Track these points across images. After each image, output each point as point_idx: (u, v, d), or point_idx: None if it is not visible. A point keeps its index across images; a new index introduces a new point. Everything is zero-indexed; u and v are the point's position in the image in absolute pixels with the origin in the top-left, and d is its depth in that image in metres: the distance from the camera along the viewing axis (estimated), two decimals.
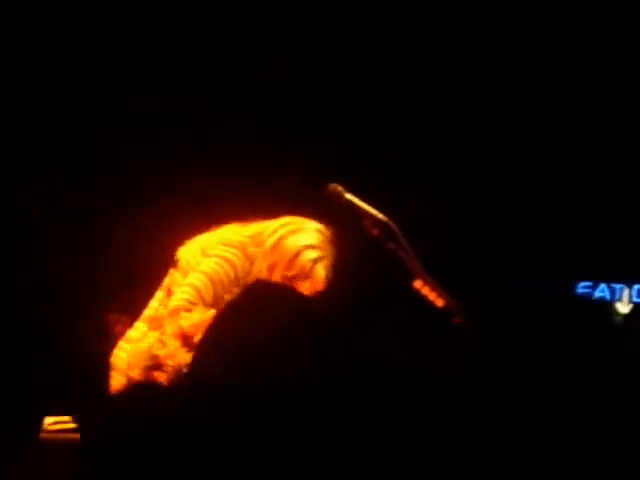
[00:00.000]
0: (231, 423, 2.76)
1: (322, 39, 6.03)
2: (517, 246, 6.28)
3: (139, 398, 2.99)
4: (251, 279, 3.16)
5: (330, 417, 2.84)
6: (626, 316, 6.73)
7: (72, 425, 3.10)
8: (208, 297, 3.11)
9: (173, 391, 2.99)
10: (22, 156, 5.88)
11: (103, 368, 3.06)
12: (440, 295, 3.09)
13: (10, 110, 5.86)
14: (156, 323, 3.13)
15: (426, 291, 3.09)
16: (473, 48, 6.11)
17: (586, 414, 4.21)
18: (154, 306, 3.17)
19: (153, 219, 5.33)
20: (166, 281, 3.22)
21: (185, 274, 3.16)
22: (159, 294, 3.20)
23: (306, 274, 3.20)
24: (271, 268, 3.19)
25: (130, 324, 3.16)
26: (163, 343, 3.08)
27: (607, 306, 6.53)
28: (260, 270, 3.18)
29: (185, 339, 3.06)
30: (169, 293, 3.17)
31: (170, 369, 3.03)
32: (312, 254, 3.22)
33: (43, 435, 3.12)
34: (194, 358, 2.95)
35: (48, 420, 3.14)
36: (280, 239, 3.21)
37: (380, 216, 3.14)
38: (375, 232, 3.13)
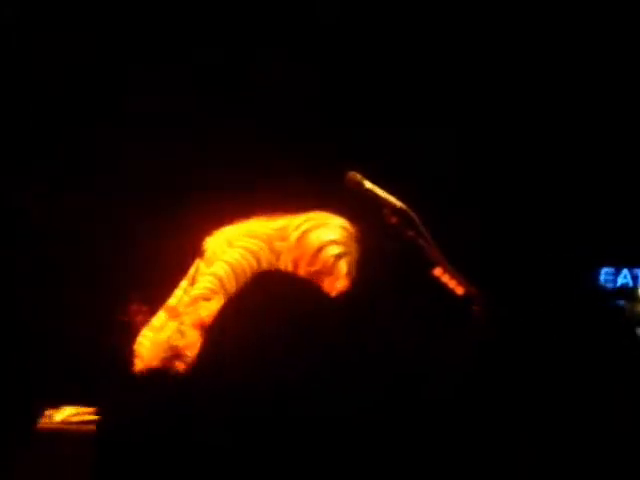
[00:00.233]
0: (240, 416, 2.76)
1: (322, 39, 6.04)
2: (537, 232, 6.28)
3: (159, 387, 2.98)
4: None
5: (342, 409, 2.84)
6: None
7: (92, 417, 3.09)
8: (230, 287, 3.10)
9: (192, 381, 2.98)
10: (22, 156, 5.87)
11: (125, 357, 3.05)
12: (460, 283, 3.09)
13: (10, 110, 5.85)
14: (176, 312, 3.12)
15: (446, 279, 3.10)
16: (473, 48, 6.13)
17: (600, 407, 4.21)
18: (178, 295, 3.17)
19: (182, 210, 5.33)
20: (191, 271, 3.22)
21: (210, 264, 3.16)
22: (184, 283, 3.20)
23: (329, 270, 3.19)
24: (295, 263, 3.19)
25: (152, 314, 3.15)
26: (182, 333, 3.08)
27: (630, 292, 6.53)
28: (286, 265, 3.18)
29: (204, 329, 3.05)
30: (193, 282, 3.17)
31: (190, 360, 3.02)
32: (335, 249, 3.21)
33: (62, 426, 3.11)
34: (202, 347, 2.93)
35: (69, 411, 3.12)
36: (304, 233, 3.21)
37: (399, 204, 3.14)
38: (394, 220, 3.13)
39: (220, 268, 3.13)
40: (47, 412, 3.18)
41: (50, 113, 5.90)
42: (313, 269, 3.19)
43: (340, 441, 2.85)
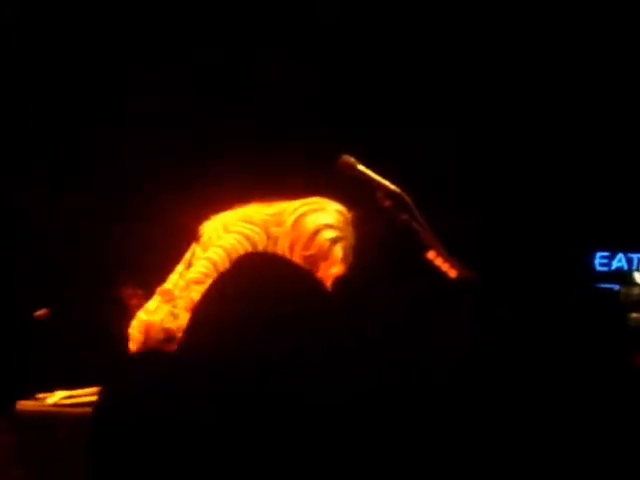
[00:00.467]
0: (227, 393, 2.74)
1: (322, 39, 6.05)
2: (534, 217, 6.27)
3: (153, 369, 2.97)
4: None
5: (337, 393, 2.83)
6: None
7: (85, 399, 3.08)
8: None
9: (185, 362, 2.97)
10: (22, 156, 5.88)
11: (119, 339, 3.05)
12: (453, 266, 3.08)
13: (10, 110, 5.86)
14: (169, 296, 3.12)
15: (439, 262, 3.09)
16: (473, 48, 6.13)
17: (602, 400, 4.19)
18: (174, 279, 3.18)
19: (179, 196, 5.34)
20: (187, 255, 3.23)
21: (206, 249, 3.17)
22: (179, 268, 3.21)
23: (324, 254, 3.19)
24: (291, 247, 3.19)
25: (147, 297, 3.15)
26: (175, 316, 3.08)
27: (625, 276, 6.50)
28: (283, 250, 3.18)
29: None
30: (189, 267, 3.17)
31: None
32: (331, 233, 3.21)
33: (55, 409, 3.10)
34: (188, 327, 2.92)
35: (61, 394, 3.11)
36: (300, 217, 3.21)
37: (393, 187, 3.14)
38: (388, 203, 3.13)
39: (215, 253, 3.14)
40: (39, 396, 3.17)
41: (50, 113, 5.91)
42: (308, 253, 3.18)
43: (334, 426, 2.84)
